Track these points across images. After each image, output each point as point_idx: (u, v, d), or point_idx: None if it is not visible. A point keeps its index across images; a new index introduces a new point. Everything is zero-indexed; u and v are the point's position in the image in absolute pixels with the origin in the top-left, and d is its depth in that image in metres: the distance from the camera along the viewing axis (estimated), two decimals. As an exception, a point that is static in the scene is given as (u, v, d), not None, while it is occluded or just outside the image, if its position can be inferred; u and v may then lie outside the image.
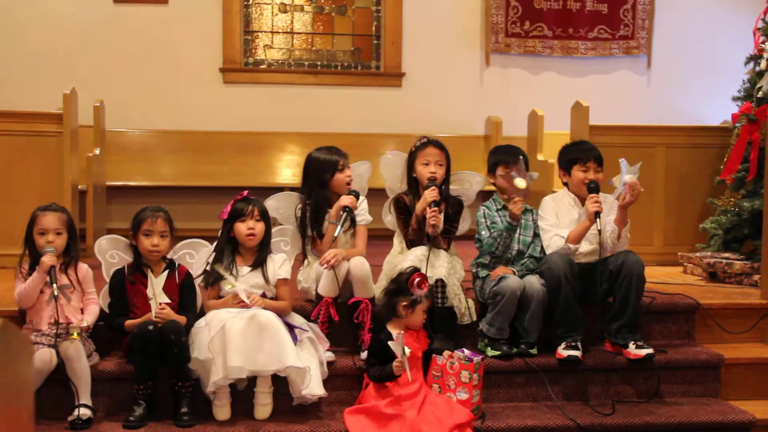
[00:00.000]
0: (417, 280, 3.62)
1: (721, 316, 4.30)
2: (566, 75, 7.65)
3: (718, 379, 4.02)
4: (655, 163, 5.78)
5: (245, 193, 3.86)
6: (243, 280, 3.72)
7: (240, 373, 3.40)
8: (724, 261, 5.08)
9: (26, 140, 5.29)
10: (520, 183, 3.93)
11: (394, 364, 3.46)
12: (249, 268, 3.77)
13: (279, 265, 3.81)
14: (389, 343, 3.47)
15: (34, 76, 6.88)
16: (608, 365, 3.94)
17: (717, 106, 6.75)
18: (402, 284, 3.66)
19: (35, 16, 6.97)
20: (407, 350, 3.47)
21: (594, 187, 3.99)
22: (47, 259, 3.52)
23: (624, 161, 3.94)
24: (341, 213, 3.91)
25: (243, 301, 3.57)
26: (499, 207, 4.12)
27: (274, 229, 3.95)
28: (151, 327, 3.44)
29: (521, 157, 4.06)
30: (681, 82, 7.65)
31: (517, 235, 4.09)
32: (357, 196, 3.97)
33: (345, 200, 3.91)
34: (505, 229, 3.99)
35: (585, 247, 4.05)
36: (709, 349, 4.10)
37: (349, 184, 4.04)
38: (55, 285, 3.49)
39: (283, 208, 4.14)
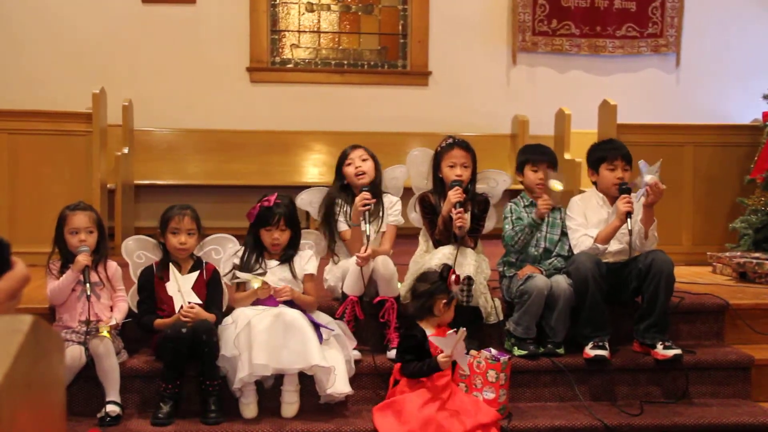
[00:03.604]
0: (454, 276, 3.62)
1: (751, 317, 4.25)
2: (594, 73, 7.60)
3: (748, 380, 3.97)
4: (683, 162, 5.74)
5: (272, 198, 3.81)
6: (271, 273, 3.74)
7: (265, 370, 3.41)
8: (754, 261, 5.02)
9: (55, 139, 5.34)
10: (556, 185, 3.91)
11: (441, 358, 3.44)
12: (277, 263, 3.79)
13: (306, 260, 3.83)
14: (437, 339, 3.45)
15: (63, 75, 6.95)
16: (636, 365, 3.91)
17: (747, 105, 6.68)
18: (440, 283, 3.64)
19: (64, 16, 7.04)
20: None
21: (625, 189, 3.97)
22: (82, 259, 3.55)
23: (643, 163, 3.92)
24: (362, 215, 3.86)
25: (270, 292, 3.59)
26: (526, 204, 4.11)
27: None
28: (184, 330, 3.46)
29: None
30: (710, 80, 7.57)
31: (544, 234, 4.08)
32: (370, 191, 3.92)
33: (358, 202, 3.87)
34: (528, 225, 3.98)
35: (614, 246, 4.03)
36: (738, 350, 4.06)
37: (359, 176, 4.00)
38: (88, 284, 3.52)
39: (316, 203, 4.15)
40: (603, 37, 7.56)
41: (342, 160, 4.09)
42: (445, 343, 3.44)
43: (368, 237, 3.81)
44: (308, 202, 4.17)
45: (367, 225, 3.83)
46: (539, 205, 3.95)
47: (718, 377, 3.96)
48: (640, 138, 5.50)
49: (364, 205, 3.84)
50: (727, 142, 5.81)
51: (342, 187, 4.08)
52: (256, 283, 3.63)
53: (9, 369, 1.01)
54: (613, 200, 4.08)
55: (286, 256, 3.81)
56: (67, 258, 3.63)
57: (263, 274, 3.71)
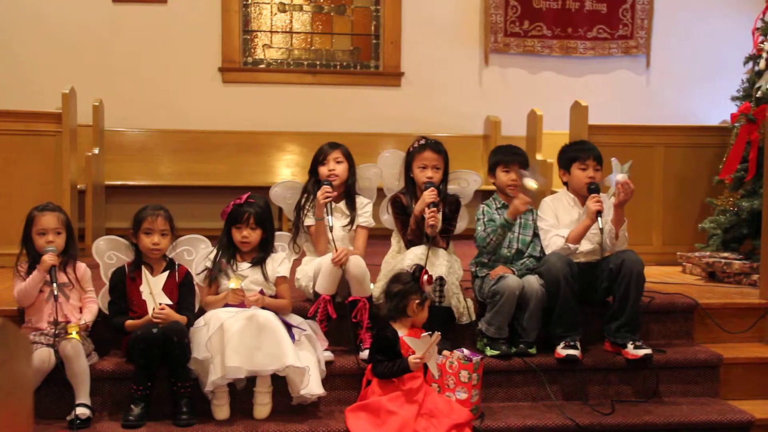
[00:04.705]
0: (426, 276, 3.62)
1: (720, 316, 4.30)
2: (565, 74, 7.65)
3: (716, 378, 4.01)
4: (653, 163, 5.78)
5: (244, 197, 3.83)
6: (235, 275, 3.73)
7: (238, 372, 3.40)
8: (723, 261, 5.08)
9: (25, 140, 5.28)
10: (531, 183, 3.92)
11: (412, 360, 3.44)
12: (249, 265, 3.78)
13: (279, 263, 3.82)
14: (410, 340, 3.46)
15: (33, 75, 6.87)
16: (607, 365, 3.94)
17: (716, 106, 6.76)
18: (413, 284, 3.64)
19: (35, 16, 6.96)
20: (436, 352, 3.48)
21: (595, 188, 4.00)
22: (48, 258, 3.52)
23: (615, 160, 3.96)
24: (325, 208, 3.91)
25: (242, 298, 3.58)
26: (498, 206, 4.12)
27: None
28: (155, 330, 3.44)
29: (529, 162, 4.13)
30: (680, 81, 7.65)
31: (516, 235, 4.10)
32: (331, 185, 3.96)
33: (320, 195, 3.91)
34: (500, 225, 3.99)
35: (585, 246, 4.06)
36: (708, 349, 4.11)
37: (331, 178, 4.00)
38: (55, 284, 3.49)
39: (290, 198, 4.16)
40: (574, 38, 7.61)
41: (318, 157, 4.09)
42: (418, 344, 3.44)
43: (331, 228, 3.87)
44: (281, 197, 4.19)
45: (329, 217, 3.87)
46: (517, 204, 3.95)
47: (688, 376, 4.00)
48: (611, 139, 5.54)
49: (326, 198, 3.88)
50: (697, 143, 5.86)
51: (315, 183, 4.08)
52: (233, 283, 3.61)
53: (-26, 372, 1.00)
54: (584, 200, 4.11)
55: (258, 259, 3.80)
56: (34, 259, 3.59)
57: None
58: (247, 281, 3.70)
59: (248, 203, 3.79)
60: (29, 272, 3.57)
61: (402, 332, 3.58)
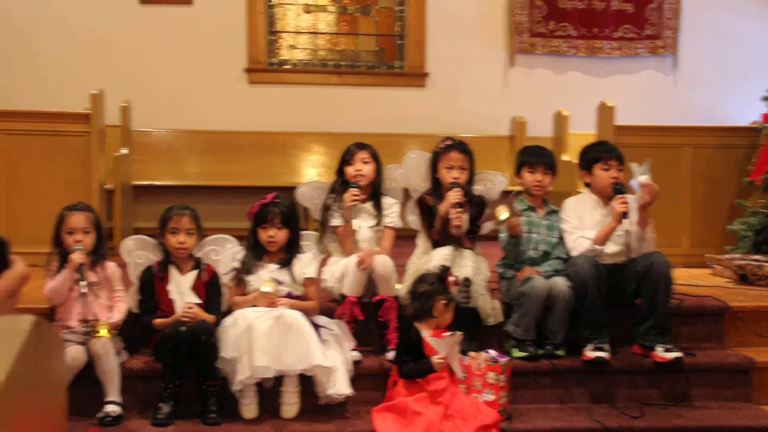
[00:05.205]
0: (453, 278, 3.62)
1: (752, 319, 4.23)
2: (591, 75, 7.60)
3: (749, 383, 3.95)
4: (681, 164, 5.74)
5: (270, 196, 3.84)
6: (269, 276, 3.73)
7: (266, 372, 3.41)
8: (754, 263, 5.02)
9: (54, 140, 5.33)
10: (502, 212, 3.87)
11: (435, 360, 3.44)
12: (276, 266, 3.78)
13: (306, 264, 3.82)
14: (433, 340, 3.46)
15: (62, 76, 6.93)
16: (635, 367, 3.90)
17: (745, 106, 6.69)
18: (439, 284, 3.63)
19: (63, 18, 7.02)
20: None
21: (620, 189, 3.98)
22: (76, 257, 3.55)
23: (634, 165, 3.93)
24: (352, 210, 3.93)
25: (272, 300, 3.58)
26: (524, 207, 4.10)
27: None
28: (183, 328, 3.46)
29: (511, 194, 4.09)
30: (708, 81, 7.58)
31: (543, 236, 4.08)
32: (359, 188, 3.97)
33: (347, 198, 3.92)
34: (509, 242, 3.97)
35: (611, 248, 4.03)
36: (739, 353, 4.05)
37: (357, 178, 4.02)
38: (83, 282, 3.51)
39: (317, 198, 4.17)
40: (600, 38, 7.56)
41: (345, 158, 4.09)
42: (441, 344, 3.43)
43: (355, 231, 3.89)
44: (308, 197, 4.20)
45: (356, 221, 3.90)
46: (510, 227, 3.95)
47: (719, 380, 3.94)
48: (638, 140, 5.51)
49: (353, 201, 3.90)
50: (725, 143, 5.81)
51: (342, 183, 4.09)
52: (267, 286, 3.62)
53: (11, 369, 1.00)
54: (607, 201, 4.09)
55: (285, 260, 3.80)
56: (64, 258, 3.62)
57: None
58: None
59: (274, 203, 3.80)
60: (59, 271, 3.60)
61: (426, 333, 3.58)
